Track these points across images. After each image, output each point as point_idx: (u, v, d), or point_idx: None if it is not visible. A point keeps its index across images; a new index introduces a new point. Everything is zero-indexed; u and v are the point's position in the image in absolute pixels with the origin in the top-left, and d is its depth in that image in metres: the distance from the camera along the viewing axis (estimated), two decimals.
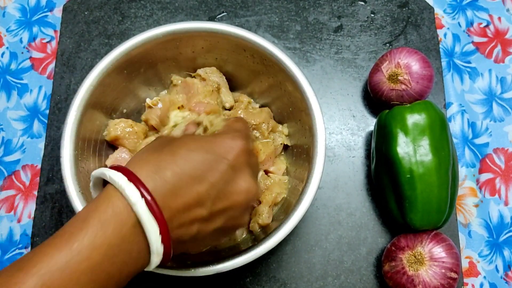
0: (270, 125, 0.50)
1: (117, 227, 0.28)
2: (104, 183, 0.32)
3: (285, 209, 0.47)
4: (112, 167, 0.31)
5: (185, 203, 0.30)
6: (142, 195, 0.28)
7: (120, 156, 0.49)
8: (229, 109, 0.52)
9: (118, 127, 0.49)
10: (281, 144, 0.50)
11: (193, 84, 0.50)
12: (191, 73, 0.52)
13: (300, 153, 0.48)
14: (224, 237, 0.37)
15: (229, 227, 0.35)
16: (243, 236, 0.48)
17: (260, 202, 0.47)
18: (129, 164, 0.31)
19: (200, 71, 0.51)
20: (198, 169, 0.31)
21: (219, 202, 0.32)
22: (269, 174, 0.50)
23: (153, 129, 0.51)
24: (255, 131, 0.49)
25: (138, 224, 0.28)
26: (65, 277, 0.26)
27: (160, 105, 0.50)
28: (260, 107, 0.53)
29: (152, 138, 0.50)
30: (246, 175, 0.33)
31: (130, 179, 0.29)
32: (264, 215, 0.46)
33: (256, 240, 0.43)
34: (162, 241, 0.29)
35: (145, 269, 0.31)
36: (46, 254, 0.27)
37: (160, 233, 0.29)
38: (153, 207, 0.29)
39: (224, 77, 0.52)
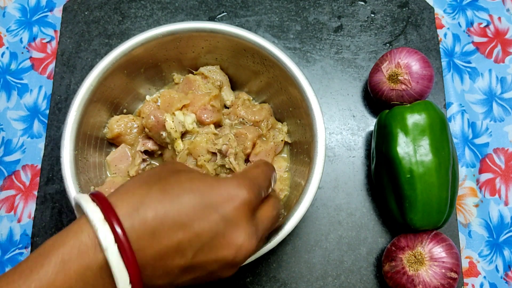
0: (270, 123, 0.50)
1: (80, 269, 0.26)
2: None
3: (287, 206, 0.47)
4: (94, 195, 0.28)
5: (163, 250, 0.27)
6: (117, 239, 0.26)
7: (122, 153, 0.49)
8: (229, 107, 0.52)
9: (121, 123, 0.49)
10: (282, 141, 0.50)
11: (195, 81, 0.50)
12: (193, 71, 0.52)
13: (300, 153, 0.48)
14: (199, 283, 0.32)
15: (208, 278, 0.31)
16: None
17: None
18: (113, 194, 0.29)
19: (203, 69, 0.51)
20: (184, 215, 0.28)
21: (201, 254, 0.28)
22: None
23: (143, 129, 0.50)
24: (256, 127, 0.49)
25: (106, 267, 0.26)
26: None
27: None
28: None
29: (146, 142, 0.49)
30: (243, 231, 0.29)
31: (106, 217, 0.26)
32: None
33: None
34: None
35: None
36: None
37: (131, 282, 0.26)
38: (127, 253, 0.26)
39: (227, 76, 0.52)
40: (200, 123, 0.48)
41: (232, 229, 0.29)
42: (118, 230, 0.26)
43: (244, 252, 0.29)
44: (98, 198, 0.28)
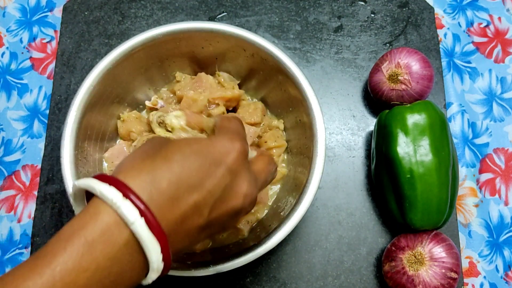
0: (266, 125, 0.51)
1: (106, 247, 0.25)
2: (87, 194, 0.30)
3: (287, 207, 0.47)
4: (100, 178, 0.27)
5: (183, 213, 0.28)
6: (142, 214, 0.26)
7: (119, 149, 0.49)
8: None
9: (132, 117, 0.49)
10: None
11: (207, 80, 0.50)
12: (199, 71, 0.52)
13: (300, 153, 0.48)
14: (210, 238, 0.36)
15: (220, 231, 0.34)
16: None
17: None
18: (119, 173, 0.28)
19: (223, 74, 0.51)
20: (195, 176, 0.28)
21: (215, 209, 0.30)
22: None
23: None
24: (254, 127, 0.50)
25: (132, 242, 0.26)
26: None
27: (160, 103, 0.50)
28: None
29: (147, 137, 0.50)
30: (245, 179, 0.31)
31: (125, 195, 0.26)
32: None
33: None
34: (163, 258, 0.27)
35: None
36: (26, 279, 0.23)
37: (161, 251, 0.27)
38: (154, 225, 0.26)
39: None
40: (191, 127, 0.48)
41: (236, 179, 0.31)
42: (140, 204, 0.26)
43: (249, 199, 0.32)
44: (107, 179, 0.27)
